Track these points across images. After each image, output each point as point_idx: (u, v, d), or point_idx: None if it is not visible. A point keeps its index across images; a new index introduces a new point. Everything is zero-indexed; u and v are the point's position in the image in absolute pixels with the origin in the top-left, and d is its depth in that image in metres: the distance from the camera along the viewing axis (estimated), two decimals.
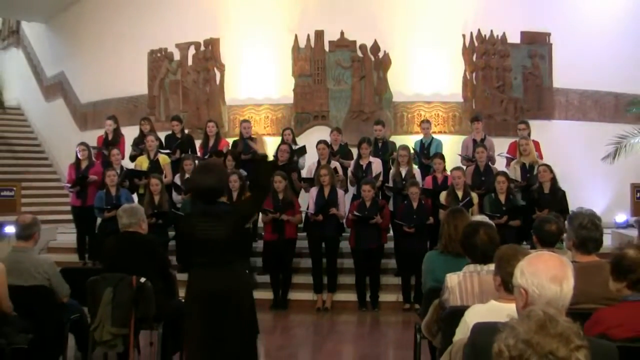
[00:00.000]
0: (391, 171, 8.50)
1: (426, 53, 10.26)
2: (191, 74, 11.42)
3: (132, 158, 9.23)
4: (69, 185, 8.73)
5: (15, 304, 4.36)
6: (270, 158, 4.02)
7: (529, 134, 8.65)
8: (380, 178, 8.33)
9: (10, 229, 6.86)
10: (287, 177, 7.93)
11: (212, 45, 11.23)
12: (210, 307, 3.60)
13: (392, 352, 6.22)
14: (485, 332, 2.09)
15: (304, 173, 8.75)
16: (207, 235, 3.62)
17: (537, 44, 10.51)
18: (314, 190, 7.88)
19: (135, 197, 8.63)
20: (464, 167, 8.34)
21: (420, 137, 9.38)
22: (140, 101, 12.01)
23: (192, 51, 11.42)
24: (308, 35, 10.71)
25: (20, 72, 16.02)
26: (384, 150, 8.97)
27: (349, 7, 10.54)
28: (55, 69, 14.30)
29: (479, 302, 3.07)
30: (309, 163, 8.85)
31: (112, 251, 4.77)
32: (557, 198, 7.56)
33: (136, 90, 11.94)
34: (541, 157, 8.50)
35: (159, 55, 11.74)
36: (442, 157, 8.36)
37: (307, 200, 8.14)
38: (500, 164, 8.89)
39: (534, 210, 7.31)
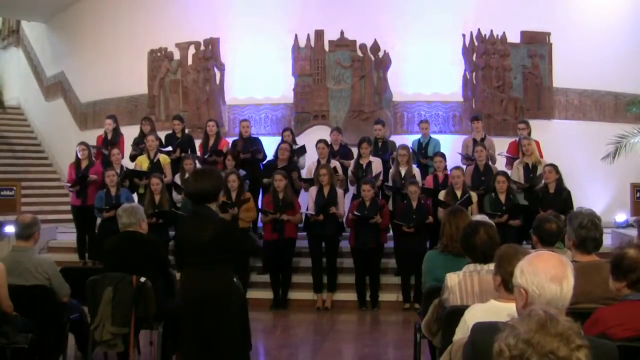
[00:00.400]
0: (391, 171, 8.50)
1: (426, 53, 10.26)
2: (191, 73, 11.42)
3: (132, 158, 9.23)
4: (69, 184, 8.74)
5: (16, 303, 4.36)
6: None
7: (529, 134, 8.65)
8: (380, 178, 8.33)
9: (10, 229, 6.87)
10: (288, 177, 7.93)
11: (212, 44, 11.22)
12: (194, 307, 3.67)
13: (392, 351, 6.22)
14: (485, 331, 2.10)
15: (304, 173, 8.75)
16: (193, 237, 3.70)
17: (537, 44, 10.51)
18: (313, 190, 7.88)
19: (135, 196, 8.63)
20: (464, 167, 8.34)
21: (418, 136, 9.38)
22: (140, 101, 12.00)
23: (192, 51, 11.41)
24: (308, 35, 10.71)
25: (20, 72, 16.02)
26: (384, 149, 8.97)
27: (349, 7, 10.55)
28: (55, 68, 14.30)
29: (479, 301, 3.07)
30: (309, 163, 8.85)
31: (112, 251, 4.77)
32: (561, 198, 7.55)
33: (136, 90, 11.93)
34: (541, 157, 8.50)
35: (159, 54, 11.74)
36: (443, 156, 8.37)
37: (307, 200, 8.15)
38: (500, 164, 8.90)
39: (538, 211, 7.29)
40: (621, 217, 9.38)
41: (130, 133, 9.69)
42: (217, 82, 11.21)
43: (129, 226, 4.77)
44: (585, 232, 3.40)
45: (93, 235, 8.55)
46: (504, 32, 10.43)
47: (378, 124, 9.07)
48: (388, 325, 7.25)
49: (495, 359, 1.64)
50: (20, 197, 9.06)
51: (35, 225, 4.79)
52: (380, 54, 10.54)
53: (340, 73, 10.70)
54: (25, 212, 7.32)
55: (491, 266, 3.03)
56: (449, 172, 8.05)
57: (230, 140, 9.58)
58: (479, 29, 10.45)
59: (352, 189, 8.63)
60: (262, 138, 9.65)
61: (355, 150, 8.87)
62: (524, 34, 10.48)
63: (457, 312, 2.89)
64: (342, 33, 10.64)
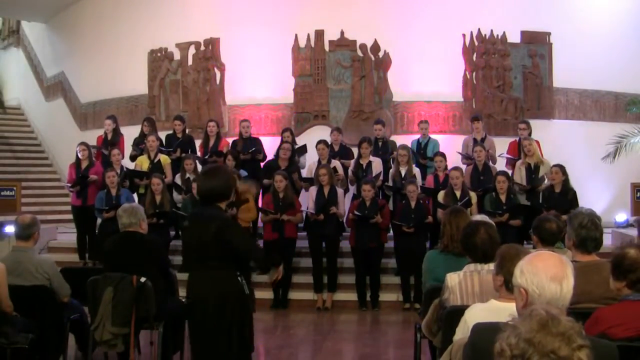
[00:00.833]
0: (391, 171, 8.50)
1: (426, 52, 10.26)
2: (191, 73, 11.42)
3: (132, 158, 9.23)
4: (69, 185, 8.74)
5: (16, 303, 4.36)
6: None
7: (529, 134, 8.65)
8: (381, 177, 8.33)
9: (10, 229, 6.87)
10: (289, 177, 7.93)
11: (212, 45, 11.23)
12: (196, 307, 3.67)
13: (392, 351, 6.22)
14: (485, 332, 2.10)
15: (305, 172, 8.75)
16: (196, 237, 3.68)
17: (537, 44, 10.51)
18: (313, 190, 7.88)
19: (135, 196, 8.63)
20: (463, 167, 8.34)
21: (417, 137, 9.38)
22: (140, 101, 12.01)
23: (192, 51, 11.42)
24: (308, 35, 10.71)
25: (21, 72, 16.02)
26: (384, 149, 8.97)
27: (349, 7, 10.54)
28: (55, 68, 14.30)
29: (479, 301, 3.07)
30: (309, 163, 8.85)
31: (113, 251, 4.77)
32: (567, 198, 7.55)
33: (136, 90, 11.94)
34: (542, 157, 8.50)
35: (159, 55, 11.75)
36: (443, 156, 8.36)
37: (307, 199, 8.15)
38: (500, 164, 8.89)
39: (542, 211, 7.28)
40: (621, 216, 9.38)
41: (130, 133, 9.69)
42: (217, 82, 11.21)
43: (129, 226, 4.77)
44: (586, 232, 3.40)
45: (93, 235, 8.56)
46: (504, 32, 10.43)
47: (378, 124, 9.07)
48: (388, 325, 7.24)
49: (497, 358, 1.64)
50: (20, 197, 9.07)
51: (35, 226, 4.79)
52: (380, 54, 10.54)
53: (340, 73, 10.71)
54: (26, 212, 7.32)
55: (491, 266, 3.03)
56: (449, 172, 8.06)
57: (230, 140, 9.58)
58: (479, 29, 10.45)
59: (352, 189, 8.63)
60: (262, 138, 9.64)
61: (355, 150, 8.87)
62: (524, 34, 10.48)
63: (458, 312, 2.89)
64: (342, 33, 10.64)
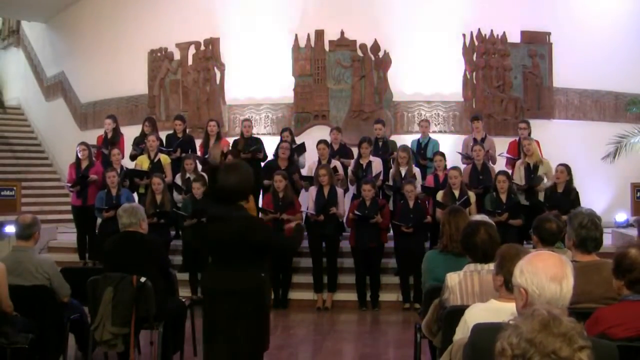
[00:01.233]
0: (391, 171, 8.51)
1: (426, 52, 10.26)
2: (191, 73, 11.43)
3: (133, 157, 9.22)
4: (69, 184, 8.74)
5: (16, 303, 4.36)
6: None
7: (529, 134, 8.65)
8: (380, 177, 8.33)
9: (10, 229, 6.87)
10: (288, 177, 7.93)
11: (212, 45, 11.23)
12: (218, 305, 3.62)
13: (392, 351, 6.22)
14: (485, 332, 2.10)
15: (304, 172, 8.74)
16: (217, 237, 3.63)
17: (537, 44, 10.51)
18: (313, 190, 7.88)
19: (135, 196, 8.63)
20: (462, 167, 8.34)
21: (418, 136, 9.38)
22: (140, 101, 12.01)
23: (192, 51, 11.42)
24: (308, 35, 10.71)
25: (21, 72, 16.03)
26: (385, 149, 8.97)
27: (349, 7, 10.54)
28: (55, 68, 14.30)
29: (479, 301, 3.07)
30: (309, 162, 8.85)
31: (113, 251, 4.77)
32: (570, 198, 7.55)
33: (136, 90, 11.94)
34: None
35: (159, 54, 11.75)
36: (443, 155, 8.37)
37: (307, 199, 8.14)
38: (500, 164, 8.89)
39: (544, 210, 7.27)
40: (621, 216, 9.38)
41: (130, 133, 9.69)
42: (217, 82, 11.22)
43: (129, 226, 4.77)
44: (586, 232, 3.40)
45: (93, 235, 8.56)
46: (504, 32, 10.43)
47: (378, 124, 9.07)
48: (388, 325, 7.24)
49: (497, 357, 1.64)
50: (20, 197, 9.07)
51: (35, 226, 4.79)
52: (381, 54, 10.54)
53: (340, 73, 10.71)
54: (26, 212, 7.32)
55: (491, 266, 3.03)
56: (448, 172, 8.05)
57: (230, 140, 9.58)
58: (479, 29, 10.45)
59: (352, 189, 8.63)
60: (262, 138, 9.63)
61: (355, 150, 8.87)
62: (524, 34, 10.48)
63: (458, 312, 2.89)
64: (342, 33, 10.64)
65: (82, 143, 8.87)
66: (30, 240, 4.77)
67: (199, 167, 8.88)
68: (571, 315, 1.67)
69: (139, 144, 9.28)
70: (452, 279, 3.37)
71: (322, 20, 10.62)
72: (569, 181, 7.69)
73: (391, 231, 7.86)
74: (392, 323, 7.27)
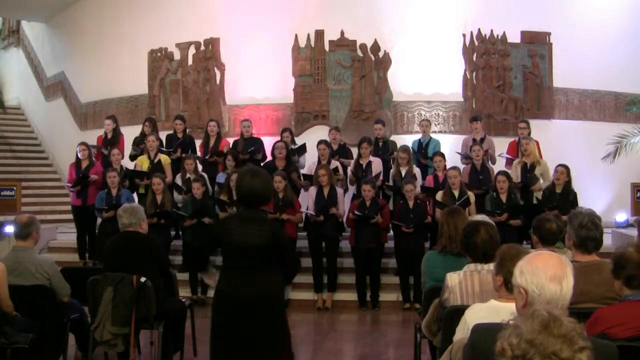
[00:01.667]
0: (391, 171, 8.51)
1: (426, 52, 10.27)
2: (191, 73, 11.43)
3: (132, 158, 9.22)
4: (69, 185, 8.74)
5: (16, 303, 4.36)
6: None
7: (529, 134, 8.65)
8: (380, 178, 8.33)
9: (10, 229, 6.86)
10: (288, 177, 7.93)
11: (212, 45, 11.23)
12: (241, 308, 3.59)
13: (392, 351, 6.21)
14: (485, 332, 2.10)
15: (305, 172, 8.74)
16: (243, 241, 3.61)
17: (537, 44, 10.52)
18: (313, 190, 7.88)
19: (135, 196, 8.63)
20: (462, 167, 8.34)
21: (418, 136, 9.38)
22: (140, 101, 12.01)
23: (192, 51, 11.42)
24: (308, 35, 10.72)
25: (21, 72, 16.03)
26: (385, 149, 8.97)
27: (349, 7, 10.55)
28: (55, 68, 14.30)
29: (479, 301, 3.07)
30: (309, 162, 8.85)
31: (113, 251, 4.77)
32: (569, 199, 7.55)
33: (136, 90, 11.94)
34: (540, 157, 8.50)
35: (159, 54, 11.75)
36: (443, 155, 8.37)
37: (306, 199, 8.14)
38: (500, 164, 8.89)
39: (543, 210, 7.28)
40: (621, 216, 9.38)
41: (130, 133, 9.69)
42: (217, 82, 11.22)
43: (130, 226, 4.77)
44: (586, 232, 3.40)
45: (93, 235, 8.56)
46: (504, 32, 10.44)
47: (378, 124, 9.07)
48: (388, 325, 7.24)
49: (497, 358, 1.64)
50: (20, 197, 9.07)
51: (33, 225, 4.78)
52: (381, 54, 10.54)
53: (340, 73, 10.71)
54: (26, 212, 7.32)
55: (491, 266, 3.03)
56: (447, 172, 8.05)
57: (230, 140, 9.58)
58: (479, 29, 10.46)
59: (352, 189, 8.62)
60: (262, 138, 9.62)
61: (354, 150, 8.87)
62: (524, 34, 10.49)
63: (458, 312, 2.89)
64: (342, 33, 10.64)
65: (82, 143, 8.87)
66: (29, 240, 4.77)
67: (199, 167, 8.88)
68: (571, 316, 1.67)
69: (139, 144, 9.28)
70: (452, 279, 3.37)
71: (322, 20, 10.62)
72: (568, 182, 7.69)
73: (391, 231, 7.86)
74: (392, 323, 7.27)
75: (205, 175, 8.57)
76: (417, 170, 8.41)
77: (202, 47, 11.32)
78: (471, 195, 7.62)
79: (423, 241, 7.71)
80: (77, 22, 13.43)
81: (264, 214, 3.78)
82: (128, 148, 9.39)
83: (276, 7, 10.81)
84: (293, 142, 9.22)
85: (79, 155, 8.71)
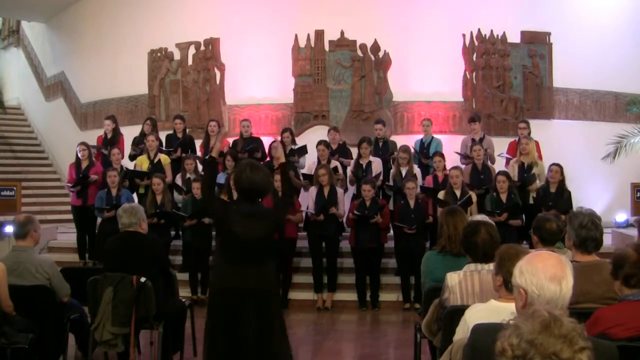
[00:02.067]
0: (392, 171, 8.50)
1: (426, 53, 10.26)
2: (191, 73, 11.43)
3: (132, 158, 9.22)
4: (70, 185, 8.74)
5: (16, 303, 4.36)
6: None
7: (529, 134, 8.65)
8: (380, 178, 8.33)
9: (10, 229, 6.86)
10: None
11: (212, 45, 11.23)
12: (241, 303, 3.60)
13: (392, 351, 6.21)
14: (485, 332, 2.10)
15: (304, 172, 8.73)
16: (247, 234, 3.63)
17: (537, 44, 10.51)
18: (313, 190, 7.88)
19: (135, 197, 8.63)
20: (462, 167, 8.34)
21: (420, 136, 9.38)
22: (140, 101, 12.01)
23: (192, 51, 11.42)
24: (308, 35, 10.71)
25: (21, 72, 16.03)
26: (385, 149, 8.96)
27: (349, 7, 10.54)
28: (55, 68, 14.30)
29: (479, 301, 3.07)
30: (309, 162, 8.85)
31: (113, 251, 4.77)
32: (563, 198, 7.56)
33: (136, 90, 11.94)
34: (540, 157, 8.50)
35: (159, 54, 11.75)
36: (442, 156, 8.36)
37: (307, 199, 8.14)
38: (500, 164, 8.89)
39: (540, 210, 7.28)
40: (621, 216, 9.38)
41: (130, 133, 9.69)
42: (217, 82, 11.22)
43: (130, 226, 4.77)
44: (586, 232, 3.40)
45: (93, 235, 8.56)
46: (504, 32, 10.43)
47: (378, 124, 9.07)
48: (388, 325, 7.24)
49: (497, 358, 1.64)
50: (20, 197, 9.06)
51: (31, 224, 4.77)
52: (381, 54, 10.54)
53: (340, 73, 10.71)
54: (26, 212, 7.32)
55: (492, 266, 3.03)
56: (449, 172, 8.05)
57: (230, 140, 9.57)
58: (479, 29, 10.45)
59: (352, 189, 8.62)
60: (262, 138, 9.62)
61: (354, 150, 8.87)
62: (524, 34, 10.48)
63: (458, 312, 2.89)
64: (342, 33, 10.64)
65: (82, 143, 8.87)
66: (28, 239, 4.76)
67: (199, 167, 8.88)
68: (571, 316, 1.67)
69: (139, 144, 9.28)
70: (452, 278, 3.37)
71: (322, 20, 10.62)
72: (562, 181, 7.70)
73: (391, 231, 7.86)
74: (392, 323, 7.27)
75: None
76: (417, 170, 8.41)
77: (202, 47, 11.32)
78: (473, 195, 7.62)
79: (424, 241, 7.71)
80: (77, 22, 13.43)
81: (265, 207, 3.83)
82: (128, 148, 9.40)
83: (276, 7, 10.81)
84: (293, 142, 9.20)
85: (79, 155, 8.71)
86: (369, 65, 10.60)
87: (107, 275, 4.54)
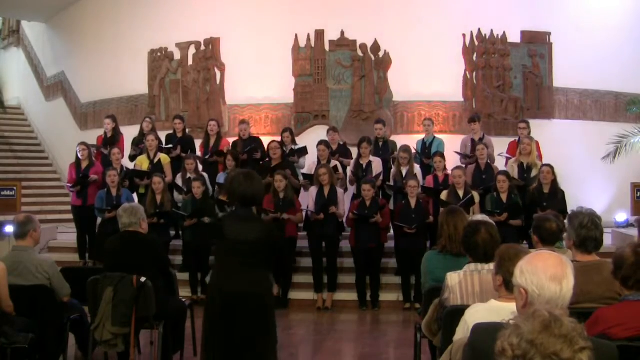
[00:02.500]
0: (392, 170, 8.50)
1: (426, 52, 10.26)
2: (191, 73, 11.43)
3: (132, 158, 9.22)
4: (69, 185, 8.73)
5: (16, 303, 4.36)
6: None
7: (529, 134, 8.65)
8: (381, 178, 8.33)
9: (10, 229, 6.87)
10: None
11: (212, 44, 11.24)
12: (236, 306, 3.66)
13: (393, 351, 6.21)
14: (485, 332, 2.10)
15: (305, 171, 8.73)
16: (239, 237, 3.73)
17: (537, 44, 10.51)
18: (313, 190, 7.88)
19: (135, 196, 8.63)
20: (464, 167, 8.34)
21: (422, 136, 9.38)
22: (140, 101, 12.01)
23: (192, 51, 11.43)
24: (308, 35, 10.71)
25: (21, 72, 16.03)
26: (385, 149, 8.96)
27: (349, 7, 10.55)
28: (55, 68, 14.31)
29: (479, 301, 3.07)
30: (309, 162, 8.84)
31: (113, 251, 4.77)
32: (557, 198, 7.57)
33: (136, 90, 11.95)
34: (541, 157, 8.50)
35: (159, 54, 11.75)
36: (442, 156, 8.36)
37: (307, 199, 8.14)
38: (500, 163, 8.89)
39: (535, 210, 7.30)
40: (622, 216, 9.38)
41: (130, 133, 9.69)
42: (218, 82, 11.22)
43: (130, 226, 4.77)
44: (586, 232, 3.40)
45: (93, 235, 8.55)
46: (504, 32, 10.43)
47: (379, 124, 9.06)
48: (388, 325, 7.24)
49: (498, 357, 1.64)
50: (20, 197, 9.06)
51: (30, 224, 4.77)
52: (381, 54, 10.55)
53: (340, 73, 10.71)
54: (26, 212, 7.31)
55: (492, 266, 3.03)
56: (448, 172, 8.06)
57: (231, 140, 9.57)
58: (479, 29, 10.46)
59: (352, 189, 8.62)
60: (262, 138, 9.61)
61: (354, 150, 8.87)
62: (524, 33, 10.48)
63: (458, 312, 2.89)
64: (342, 33, 10.64)
65: (82, 143, 8.87)
66: (28, 239, 4.76)
67: (200, 167, 8.88)
68: (571, 316, 1.67)
69: (139, 144, 9.28)
70: (453, 278, 3.37)
71: (322, 20, 10.62)
72: (555, 181, 7.71)
73: (391, 231, 7.86)
74: (392, 323, 7.26)
75: (206, 175, 8.57)
76: (418, 170, 8.41)
77: (202, 47, 11.33)
78: (476, 195, 7.62)
79: (424, 241, 7.70)
80: (77, 22, 13.43)
81: (257, 214, 3.94)
82: (128, 148, 9.39)
83: (276, 7, 10.81)
84: (293, 142, 9.20)
85: (79, 155, 8.71)
86: (369, 65, 10.60)
87: (107, 275, 4.54)
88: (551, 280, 2.13)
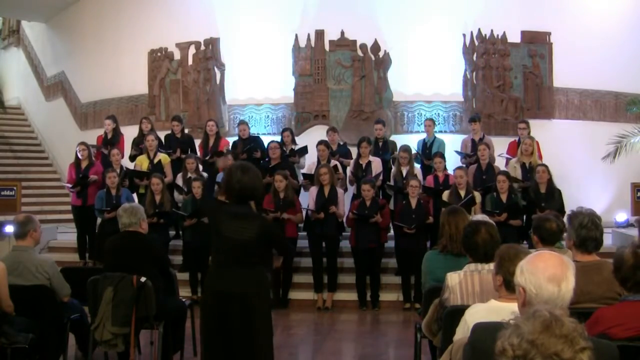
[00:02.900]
0: (392, 170, 8.50)
1: (426, 52, 10.27)
2: (191, 73, 11.43)
3: (132, 158, 9.22)
4: (69, 185, 8.73)
5: (16, 303, 4.36)
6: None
7: (529, 134, 8.65)
8: (380, 178, 8.33)
9: (10, 229, 6.87)
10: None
11: (212, 44, 11.23)
12: (227, 305, 3.62)
13: (393, 351, 6.21)
14: (485, 332, 2.09)
15: (305, 171, 8.73)
16: (234, 235, 3.64)
17: (537, 43, 10.51)
18: (313, 190, 7.88)
19: (135, 197, 8.63)
20: (466, 167, 8.34)
21: (422, 136, 9.38)
22: (140, 101, 12.01)
23: (192, 51, 11.42)
24: (308, 35, 10.71)
25: (21, 72, 16.02)
26: (385, 149, 8.96)
27: (349, 7, 10.55)
28: (55, 68, 14.30)
29: (479, 301, 3.07)
30: (309, 162, 8.85)
31: (113, 251, 4.77)
32: (554, 198, 7.57)
33: (136, 90, 11.95)
34: (541, 157, 8.50)
35: (159, 54, 11.75)
36: (442, 156, 8.37)
37: (307, 199, 8.14)
38: (500, 163, 8.89)
39: (534, 210, 7.31)
40: (622, 216, 9.38)
41: (130, 133, 9.69)
42: (217, 82, 11.22)
43: (130, 226, 4.77)
44: (586, 232, 3.39)
45: (93, 235, 8.55)
46: (504, 32, 10.43)
47: (379, 124, 9.07)
48: (388, 325, 7.24)
49: (498, 357, 1.64)
50: (20, 197, 9.06)
51: (30, 223, 4.77)
52: (381, 54, 10.54)
53: (340, 73, 10.71)
54: (25, 212, 7.31)
55: (492, 265, 3.03)
56: (448, 172, 8.05)
57: (230, 140, 9.57)
58: (479, 29, 10.45)
59: (352, 189, 8.62)
60: (262, 138, 9.62)
61: (354, 150, 8.87)
62: (524, 33, 10.48)
63: (458, 312, 2.89)
64: (342, 33, 10.64)
65: (82, 143, 8.87)
66: (28, 239, 4.76)
67: (200, 167, 8.88)
68: (571, 316, 1.67)
69: (138, 144, 9.28)
70: (453, 278, 3.37)
71: (322, 20, 10.62)
72: (551, 181, 7.72)
73: (391, 231, 7.86)
74: (392, 323, 7.26)
75: (206, 175, 8.58)
76: (418, 170, 8.41)
77: (202, 47, 11.32)
78: (477, 195, 7.62)
79: (424, 241, 7.70)
80: (77, 22, 13.43)
81: (253, 209, 3.82)
82: (128, 148, 9.40)
83: (276, 7, 10.81)
84: (293, 142, 9.20)
85: (79, 155, 8.71)
86: (369, 65, 10.59)
87: (107, 275, 4.55)
88: (549, 280, 2.13)
